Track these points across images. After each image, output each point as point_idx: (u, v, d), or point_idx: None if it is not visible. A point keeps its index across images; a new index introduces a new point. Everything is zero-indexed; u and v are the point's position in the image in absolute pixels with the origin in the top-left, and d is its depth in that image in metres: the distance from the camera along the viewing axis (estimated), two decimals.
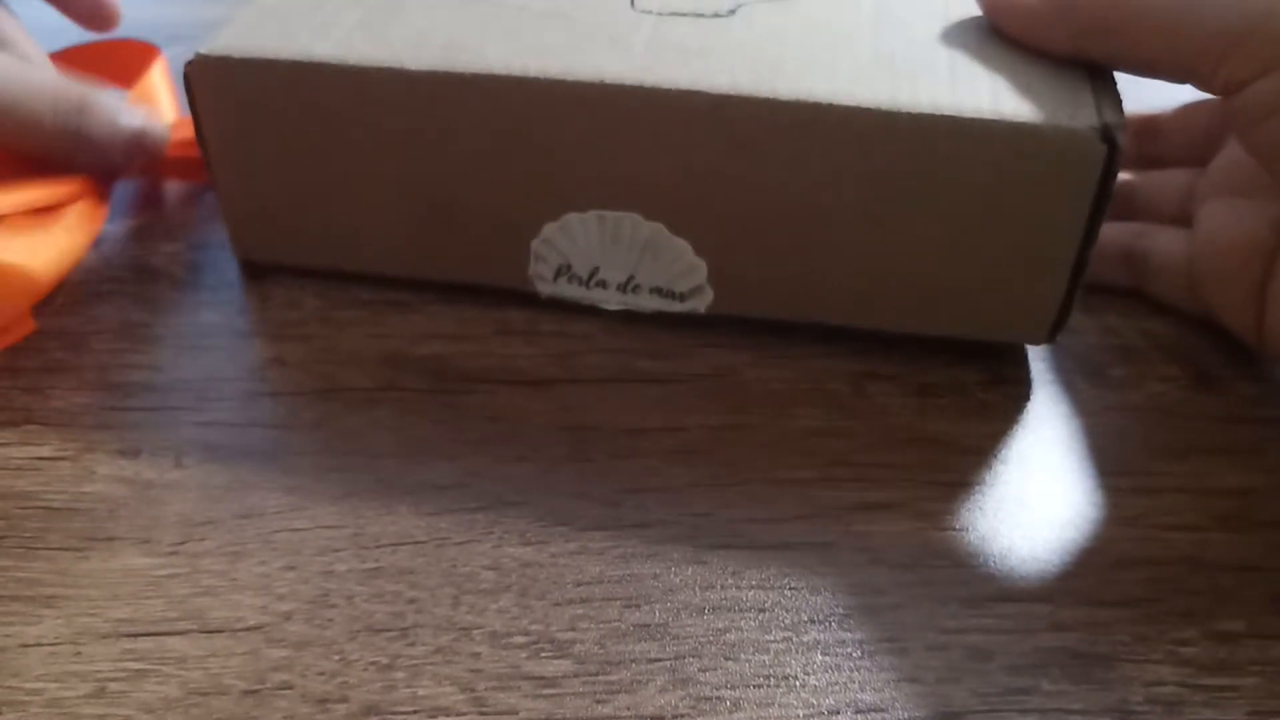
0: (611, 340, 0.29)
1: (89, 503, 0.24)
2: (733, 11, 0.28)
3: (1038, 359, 0.29)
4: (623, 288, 0.29)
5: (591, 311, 0.29)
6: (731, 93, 0.25)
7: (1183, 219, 0.30)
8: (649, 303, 0.29)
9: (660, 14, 0.28)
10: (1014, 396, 0.28)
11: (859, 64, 0.26)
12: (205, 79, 0.27)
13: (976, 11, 0.28)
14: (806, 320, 0.29)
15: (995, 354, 0.29)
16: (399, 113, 0.27)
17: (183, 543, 0.24)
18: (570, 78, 0.26)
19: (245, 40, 0.27)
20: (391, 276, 0.30)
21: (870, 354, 0.29)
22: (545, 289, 0.29)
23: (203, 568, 0.23)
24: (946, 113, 0.24)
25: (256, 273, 0.31)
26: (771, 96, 0.25)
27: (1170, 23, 0.24)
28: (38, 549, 0.23)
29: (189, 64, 0.27)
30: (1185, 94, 0.26)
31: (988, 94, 0.25)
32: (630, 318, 0.29)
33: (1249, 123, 0.24)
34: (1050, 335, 0.27)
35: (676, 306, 0.29)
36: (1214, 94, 0.24)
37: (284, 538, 0.24)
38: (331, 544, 0.24)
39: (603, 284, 0.29)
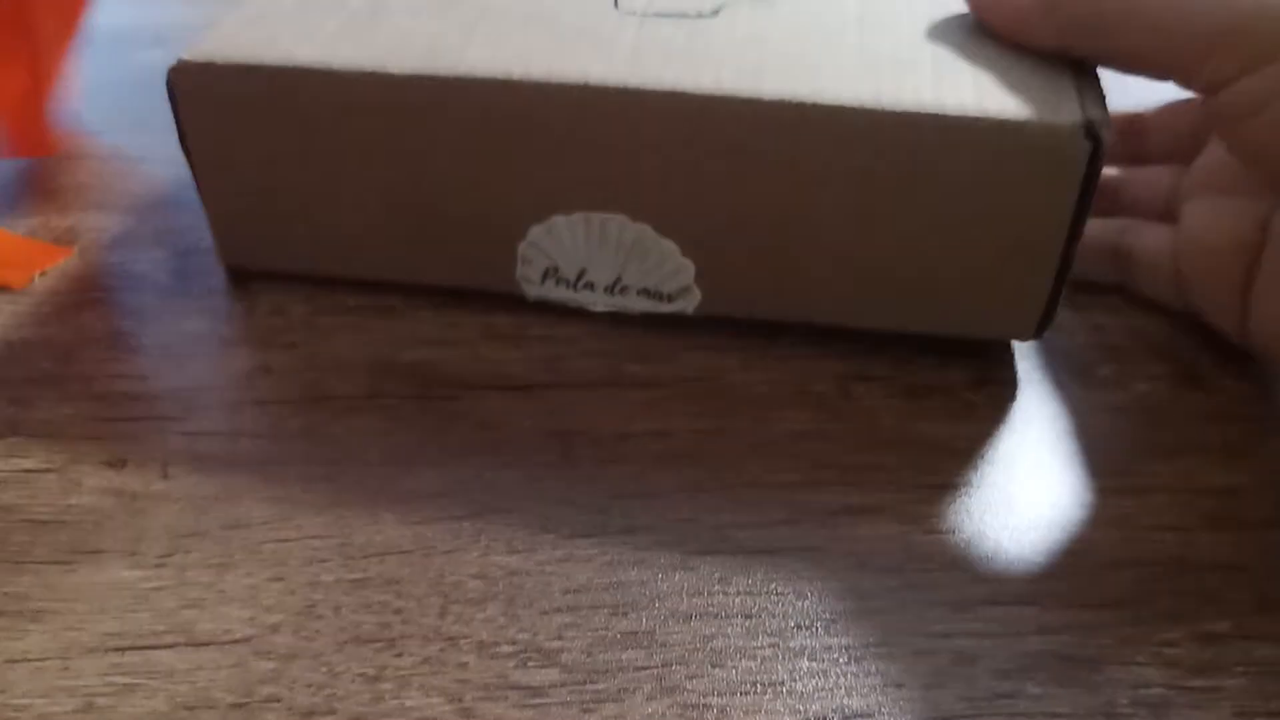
0: (598, 344, 0.29)
1: (75, 515, 0.24)
2: (716, 12, 0.28)
3: (1024, 358, 0.29)
4: (610, 289, 0.29)
5: (579, 314, 0.29)
6: (716, 94, 0.25)
7: (1168, 216, 0.30)
8: (637, 304, 0.29)
9: (644, 15, 0.28)
10: (1001, 397, 0.28)
11: (843, 63, 0.26)
12: (189, 84, 0.27)
13: (961, 8, 0.28)
14: (794, 320, 0.29)
15: (982, 354, 0.29)
16: (383, 116, 0.27)
17: (170, 555, 0.24)
18: (554, 80, 0.25)
19: (229, 45, 0.27)
20: (378, 281, 0.30)
21: (857, 355, 0.28)
22: (532, 291, 0.29)
23: (190, 580, 0.23)
24: (931, 111, 0.24)
25: (242, 279, 0.31)
26: (756, 97, 0.25)
27: (1155, 20, 0.24)
28: (24, 563, 0.23)
29: (172, 69, 0.27)
30: (1170, 92, 0.26)
31: (972, 91, 0.25)
32: (617, 320, 0.29)
33: (1231, 121, 0.24)
34: (1037, 331, 0.27)
35: (664, 307, 0.29)
36: (1197, 92, 0.24)
37: (271, 548, 0.24)
38: (318, 554, 0.24)
39: (590, 285, 0.29)
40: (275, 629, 0.22)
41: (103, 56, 0.39)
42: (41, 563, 0.23)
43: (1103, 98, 0.25)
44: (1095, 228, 0.30)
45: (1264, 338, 0.27)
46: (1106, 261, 0.30)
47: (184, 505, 0.25)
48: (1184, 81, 0.25)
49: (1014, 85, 0.25)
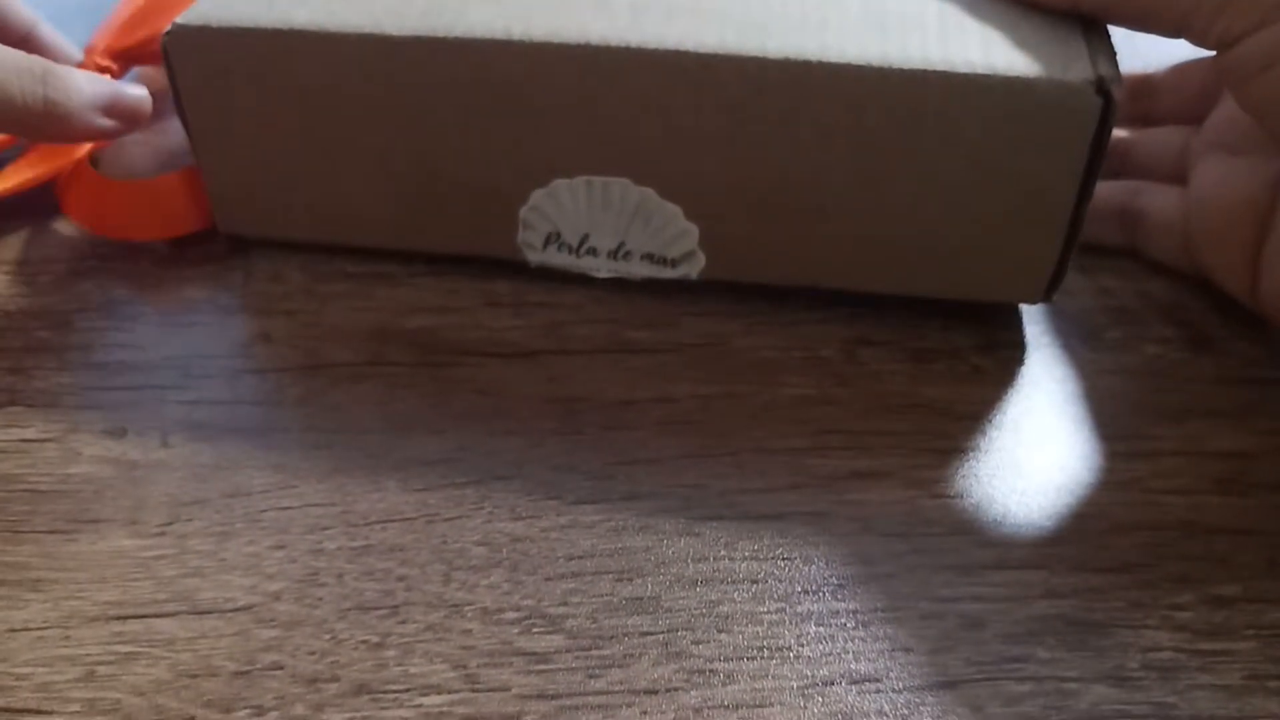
0: (600, 310, 0.29)
1: (75, 484, 0.24)
2: None
3: (1032, 322, 0.28)
4: (613, 254, 0.28)
5: (580, 280, 0.29)
6: (719, 52, 0.25)
7: (1178, 177, 0.29)
8: (640, 269, 0.29)
9: None
10: (1008, 361, 0.27)
11: (848, 21, 0.25)
12: (184, 49, 0.27)
13: None
14: (799, 284, 0.28)
15: (989, 318, 0.28)
16: (381, 79, 0.26)
17: (170, 523, 0.23)
18: (555, 39, 0.25)
19: (223, 9, 0.26)
20: (377, 249, 0.30)
21: (862, 320, 0.28)
22: (534, 257, 0.29)
23: (191, 548, 0.23)
24: (938, 68, 0.24)
25: (240, 247, 0.30)
26: (760, 55, 0.24)
27: None
28: (24, 532, 0.23)
29: (167, 34, 0.26)
30: (1180, 51, 0.25)
31: (980, 49, 0.24)
32: (619, 286, 0.29)
33: (1243, 77, 0.23)
34: (1046, 294, 0.27)
35: (668, 273, 0.28)
36: (1208, 49, 0.24)
37: (272, 516, 0.24)
38: (320, 522, 0.23)
39: (593, 251, 0.28)
40: (277, 597, 0.22)
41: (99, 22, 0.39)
42: (42, 532, 0.23)
43: (1114, 55, 0.24)
44: (1104, 189, 0.29)
45: (1274, 300, 0.26)
46: (1115, 224, 0.30)
47: (184, 474, 0.24)
48: (1196, 38, 0.24)
49: (1023, 42, 0.24)
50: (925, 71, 0.24)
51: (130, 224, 0.30)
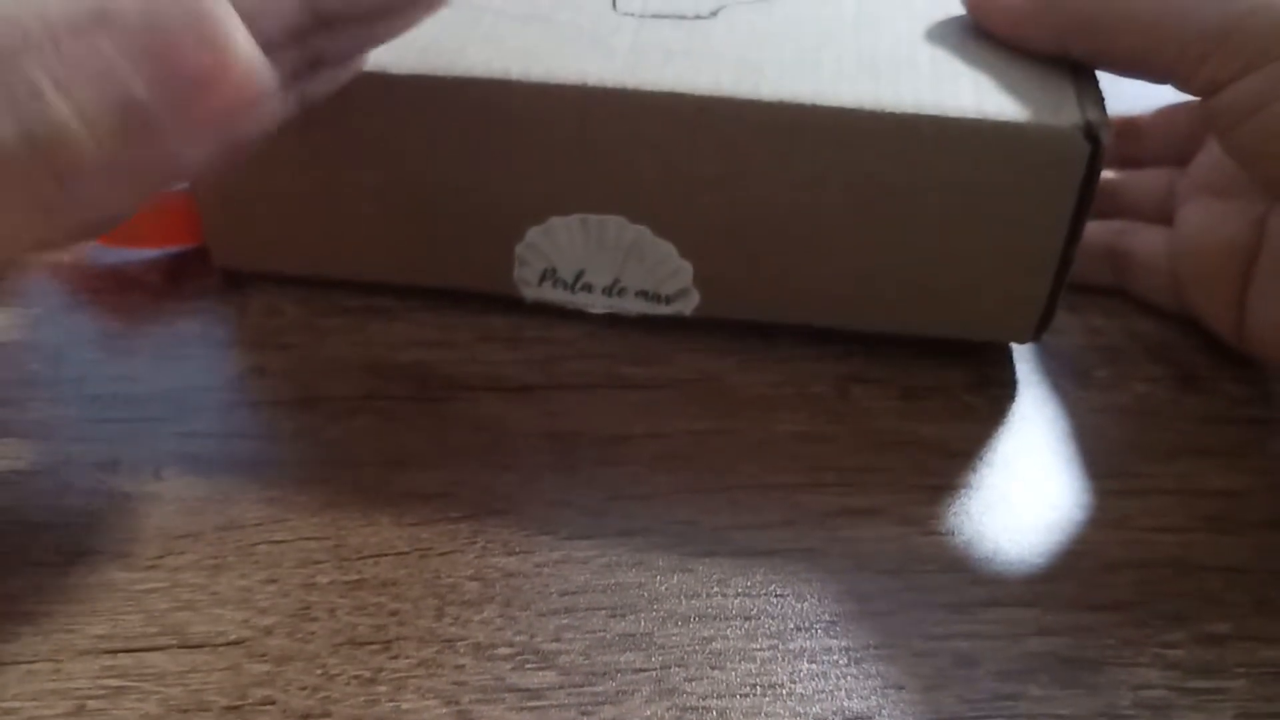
0: (595, 345, 0.29)
1: (67, 517, 0.24)
2: (715, 13, 0.28)
3: (1023, 360, 0.29)
4: (608, 291, 0.29)
5: (575, 316, 0.29)
6: (715, 94, 0.25)
7: (1164, 218, 0.30)
8: (635, 306, 0.29)
9: (642, 16, 0.27)
10: (999, 398, 0.28)
11: (841, 64, 0.26)
12: None
13: (958, 9, 0.28)
14: (793, 322, 0.28)
15: (980, 356, 0.29)
16: (379, 117, 0.26)
17: (162, 556, 0.23)
18: (553, 81, 0.25)
19: None
20: (374, 283, 0.30)
21: (855, 357, 0.28)
22: (530, 293, 0.29)
23: (183, 581, 0.23)
24: (929, 112, 0.24)
25: (236, 280, 0.31)
26: (754, 98, 0.25)
27: (1153, 22, 0.24)
28: (15, 564, 0.23)
29: None
30: (1165, 95, 0.26)
31: (971, 93, 0.25)
32: (614, 321, 0.29)
33: (1228, 124, 0.24)
34: (1036, 334, 0.27)
35: (662, 309, 0.29)
36: (1194, 95, 0.24)
37: (264, 550, 0.23)
38: (313, 556, 0.23)
39: (588, 287, 0.29)
40: (269, 631, 0.22)
41: None
42: (33, 564, 0.23)
43: (1101, 99, 0.25)
44: (1092, 230, 0.30)
45: (1260, 340, 0.27)
46: (1103, 263, 0.30)
47: (176, 507, 0.24)
48: (1181, 84, 0.25)
49: (1012, 87, 0.25)
50: (917, 115, 0.24)
51: (132, 233, 0.30)
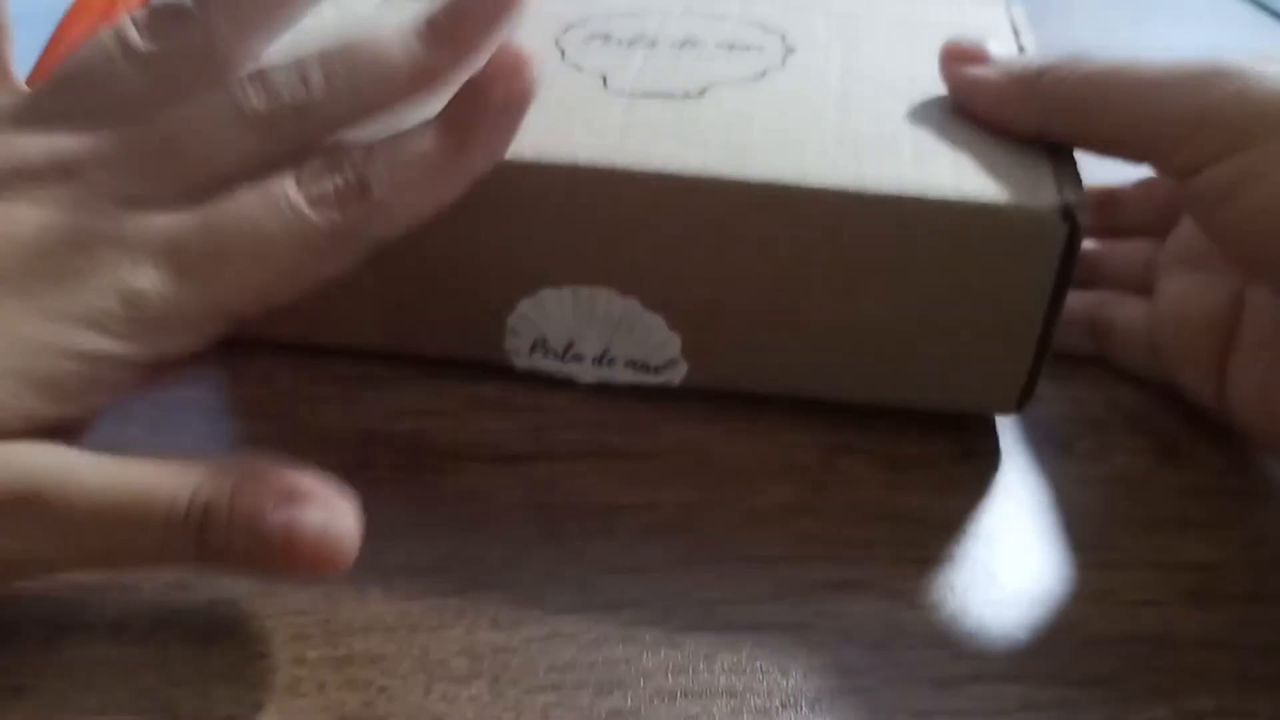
0: (584, 414, 0.29)
1: (58, 590, 0.24)
2: (702, 92, 0.28)
3: (1007, 431, 0.29)
4: (598, 361, 0.29)
5: (565, 384, 0.30)
6: (703, 175, 0.26)
7: (1145, 289, 0.30)
8: (624, 375, 0.29)
9: (632, 95, 0.28)
10: (984, 469, 0.28)
11: (825, 144, 0.26)
12: None
13: (940, 90, 0.28)
14: (779, 392, 0.29)
15: (965, 427, 0.29)
16: None
17: (153, 631, 0.23)
18: (545, 160, 0.26)
19: None
20: (367, 350, 0.30)
21: (841, 427, 0.29)
22: (521, 362, 0.30)
23: (173, 656, 0.23)
24: (911, 194, 0.25)
25: (228, 348, 0.31)
26: (741, 179, 0.25)
27: (1131, 107, 0.25)
28: (7, 638, 0.23)
29: None
30: (1145, 168, 0.27)
31: (950, 173, 0.25)
32: (604, 390, 0.29)
33: (1204, 207, 0.24)
34: (1018, 405, 0.28)
35: (651, 379, 0.29)
36: (1171, 177, 0.25)
37: (255, 625, 0.24)
38: (302, 630, 0.24)
39: (578, 357, 0.29)
40: (259, 707, 0.22)
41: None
42: (25, 638, 0.23)
43: (1079, 180, 0.25)
44: (1073, 300, 0.30)
45: (1241, 410, 0.27)
46: (1084, 333, 0.31)
47: (168, 580, 0.24)
48: (1159, 166, 0.25)
49: (992, 167, 0.26)
50: (899, 196, 0.25)
51: None
